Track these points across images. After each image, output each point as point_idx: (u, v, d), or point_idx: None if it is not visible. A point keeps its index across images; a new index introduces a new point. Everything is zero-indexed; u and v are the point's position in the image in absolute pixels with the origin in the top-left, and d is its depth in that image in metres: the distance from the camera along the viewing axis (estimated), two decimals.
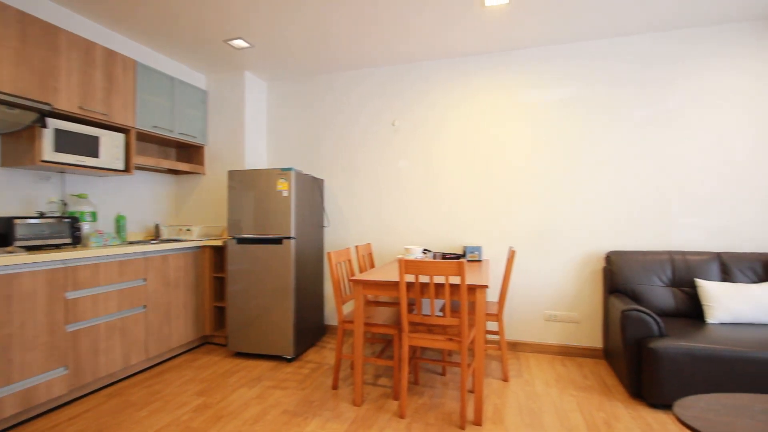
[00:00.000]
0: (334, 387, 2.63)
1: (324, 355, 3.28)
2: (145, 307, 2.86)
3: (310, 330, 3.45)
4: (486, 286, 2.17)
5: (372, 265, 3.42)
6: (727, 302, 2.53)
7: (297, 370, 2.95)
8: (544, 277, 3.30)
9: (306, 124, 3.97)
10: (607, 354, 3.02)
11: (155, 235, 3.55)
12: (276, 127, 4.07)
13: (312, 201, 3.51)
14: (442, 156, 3.55)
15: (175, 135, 3.41)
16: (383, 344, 3.46)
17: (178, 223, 3.91)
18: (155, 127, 3.20)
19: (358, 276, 2.47)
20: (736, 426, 1.37)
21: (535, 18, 2.83)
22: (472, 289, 2.19)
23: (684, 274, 2.79)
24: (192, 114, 3.64)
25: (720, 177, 2.94)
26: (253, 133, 3.90)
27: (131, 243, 3.03)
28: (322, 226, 3.77)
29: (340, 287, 2.66)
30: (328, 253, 2.59)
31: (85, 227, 2.85)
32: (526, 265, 3.34)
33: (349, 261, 2.92)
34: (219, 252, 3.56)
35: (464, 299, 2.11)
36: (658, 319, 2.40)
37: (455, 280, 2.31)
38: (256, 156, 3.95)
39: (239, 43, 3.21)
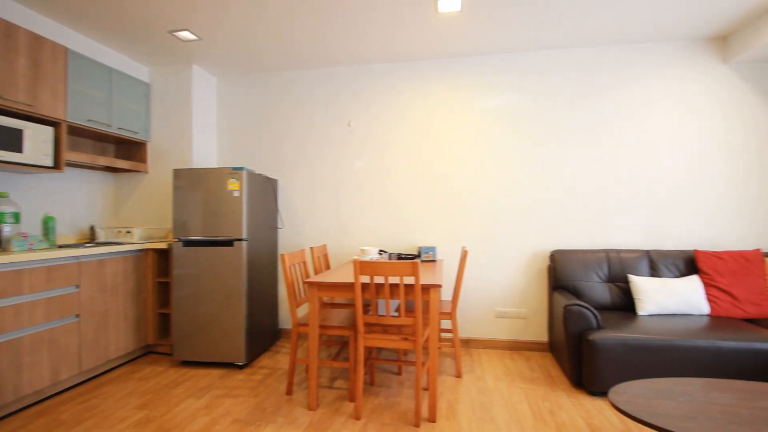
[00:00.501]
0: (289, 392, 2.57)
1: (278, 360, 3.20)
2: (78, 316, 2.63)
3: (264, 335, 3.35)
4: (439, 286, 2.22)
5: (327, 267, 3.39)
6: (654, 295, 2.78)
7: (249, 377, 2.84)
8: (494, 275, 3.44)
9: (259, 123, 3.84)
10: (552, 347, 3.20)
11: (90, 238, 3.28)
12: (227, 124, 3.91)
13: (265, 202, 3.41)
14: (398, 157, 3.59)
15: (113, 130, 3.17)
16: (339, 346, 3.43)
17: (117, 224, 3.64)
18: (90, 120, 2.96)
19: (313, 278, 2.43)
20: (660, 408, 1.50)
21: (485, 27, 2.94)
22: (426, 288, 2.23)
23: (618, 270, 3.02)
24: (133, 108, 3.40)
25: (649, 181, 3.22)
26: (202, 130, 3.71)
27: (61, 247, 2.77)
28: (275, 228, 3.68)
29: (295, 290, 2.61)
30: (282, 255, 2.53)
31: (6, 229, 2.57)
32: (478, 265, 3.46)
33: (304, 263, 2.87)
34: (163, 255, 3.35)
35: (418, 299, 2.15)
36: (596, 312, 2.58)
37: (410, 280, 2.34)
38: (205, 154, 3.77)
39: (186, 35, 3.05)
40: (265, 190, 3.40)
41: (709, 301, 2.79)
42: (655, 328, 2.49)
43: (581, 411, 2.32)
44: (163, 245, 3.19)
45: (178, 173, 3.05)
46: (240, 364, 3.02)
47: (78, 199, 3.24)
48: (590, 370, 2.47)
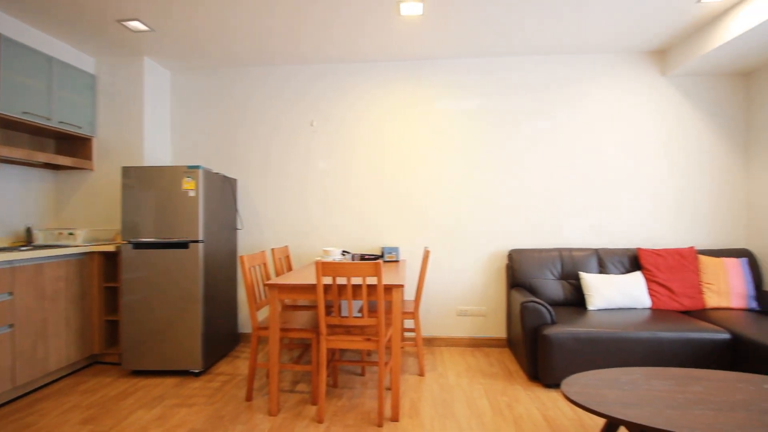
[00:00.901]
0: (248, 398, 2.49)
1: (237, 365, 3.09)
2: (11, 326, 2.41)
3: (222, 340, 3.22)
4: (402, 286, 2.24)
5: (289, 268, 3.32)
6: (602, 291, 2.95)
7: (206, 384, 2.73)
8: (456, 275, 3.52)
9: (217, 120, 3.70)
10: (510, 343, 3.32)
11: (26, 241, 3.02)
12: (182, 120, 3.73)
13: (223, 202, 3.29)
14: (362, 158, 3.59)
15: (54, 124, 2.94)
16: (302, 349, 3.38)
17: (58, 226, 3.37)
18: (26, 113, 2.72)
19: (274, 280, 2.38)
20: (607, 396, 1.60)
21: (445, 32, 3.01)
22: (388, 288, 2.24)
23: (570, 268, 3.19)
24: (77, 101, 3.17)
25: (598, 184, 3.42)
26: (154, 126, 3.53)
27: None
28: (234, 229, 3.56)
29: (255, 292, 2.53)
30: (241, 257, 2.45)
31: None
32: (440, 264, 3.53)
33: (265, 264, 2.80)
34: (111, 259, 3.15)
35: (381, 299, 2.16)
36: (551, 308, 2.70)
37: (372, 280, 2.34)
38: (158, 151, 3.58)
39: (136, 25, 2.88)
40: (223, 189, 3.28)
41: (651, 295, 3.00)
42: (603, 321, 2.64)
43: (537, 403, 2.42)
44: (110, 248, 3.00)
45: (127, 171, 2.88)
46: (196, 371, 2.89)
47: (11, 198, 2.98)
48: (545, 363, 2.59)
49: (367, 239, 3.58)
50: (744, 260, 3.03)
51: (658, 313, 2.82)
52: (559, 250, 3.25)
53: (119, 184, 3.38)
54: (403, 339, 3.48)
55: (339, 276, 2.16)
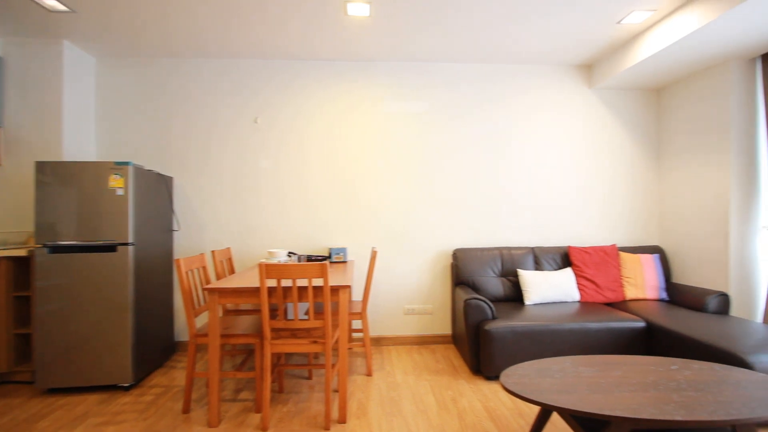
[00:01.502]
0: (186, 410, 2.34)
1: (173, 376, 2.90)
2: None
3: (156, 350, 3.00)
4: (349, 287, 2.22)
5: (232, 271, 3.17)
6: (538, 287, 3.16)
7: (138, 399, 2.52)
8: (403, 274, 3.57)
9: (151, 113, 3.44)
10: (455, 339, 3.43)
11: None
12: (109, 113, 3.42)
13: (157, 201, 3.06)
14: (309, 157, 3.52)
15: None
16: (245, 355, 3.24)
17: None
18: None
19: (214, 284, 2.26)
20: (541, 385, 1.70)
21: (393, 35, 3.05)
22: (335, 290, 2.22)
23: (509, 265, 3.37)
24: None
25: (533, 187, 3.65)
26: (76, 117, 3.20)
27: None
28: (170, 230, 3.33)
29: (192, 298, 2.38)
30: (177, 260, 2.30)
31: None
32: (387, 265, 3.56)
33: (204, 268, 2.65)
34: (22, 264, 2.81)
35: (327, 300, 2.13)
36: (491, 304, 2.84)
37: (319, 282, 2.31)
38: (81, 146, 3.25)
39: (53, 4, 2.59)
40: (157, 188, 3.06)
41: (579, 289, 3.26)
42: (538, 315, 2.83)
43: (479, 395, 2.53)
44: (21, 252, 2.67)
45: (42, 167, 2.58)
46: (126, 385, 2.66)
47: None
48: (486, 357, 2.71)
49: (315, 240, 3.52)
50: (656, 256, 3.39)
51: (585, 306, 3.07)
52: (500, 249, 3.43)
53: (32, 180, 3.02)
54: (351, 340, 3.46)
55: (284, 278, 2.10)
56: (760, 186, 2.99)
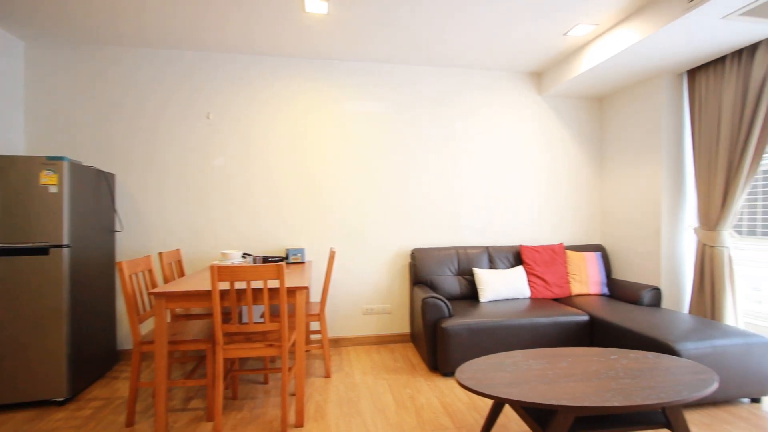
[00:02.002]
0: (129, 423, 2.19)
1: (116, 387, 2.70)
2: None
3: (96, 359, 2.78)
4: (306, 288, 2.19)
5: (182, 274, 3.01)
6: (492, 285, 3.27)
7: (74, 414, 2.33)
8: (362, 274, 3.57)
9: (91, 105, 3.19)
10: (413, 337, 3.48)
11: None
12: (41, 103, 3.13)
13: (97, 200, 2.85)
14: (265, 156, 3.43)
15: None
16: (197, 362, 3.09)
17: None
18: None
19: (161, 287, 2.13)
20: (494, 379, 1.77)
21: (352, 34, 3.04)
22: (292, 291, 2.18)
23: (465, 264, 3.47)
24: None
25: (488, 187, 3.78)
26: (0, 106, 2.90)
27: None
28: (112, 231, 3.10)
29: (137, 303, 2.24)
30: (119, 263, 2.14)
31: None
32: (346, 265, 3.54)
33: (150, 271, 2.49)
34: None
35: (284, 302, 2.08)
36: (448, 303, 2.91)
37: (275, 283, 2.25)
38: (6, 138, 2.95)
39: None
40: (97, 186, 2.84)
41: (530, 286, 3.42)
42: (492, 312, 2.93)
43: (436, 392, 2.58)
44: None
45: None
46: (60, 399, 2.44)
47: None
48: (443, 354, 2.77)
49: (271, 241, 3.43)
50: (599, 254, 3.63)
51: (535, 302, 3.22)
52: (456, 249, 3.52)
53: None
54: (309, 342, 3.41)
55: (237, 280, 2.03)
56: (686, 190, 3.30)
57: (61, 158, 2.42)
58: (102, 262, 2.91)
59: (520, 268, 3.42)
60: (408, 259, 3.65)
